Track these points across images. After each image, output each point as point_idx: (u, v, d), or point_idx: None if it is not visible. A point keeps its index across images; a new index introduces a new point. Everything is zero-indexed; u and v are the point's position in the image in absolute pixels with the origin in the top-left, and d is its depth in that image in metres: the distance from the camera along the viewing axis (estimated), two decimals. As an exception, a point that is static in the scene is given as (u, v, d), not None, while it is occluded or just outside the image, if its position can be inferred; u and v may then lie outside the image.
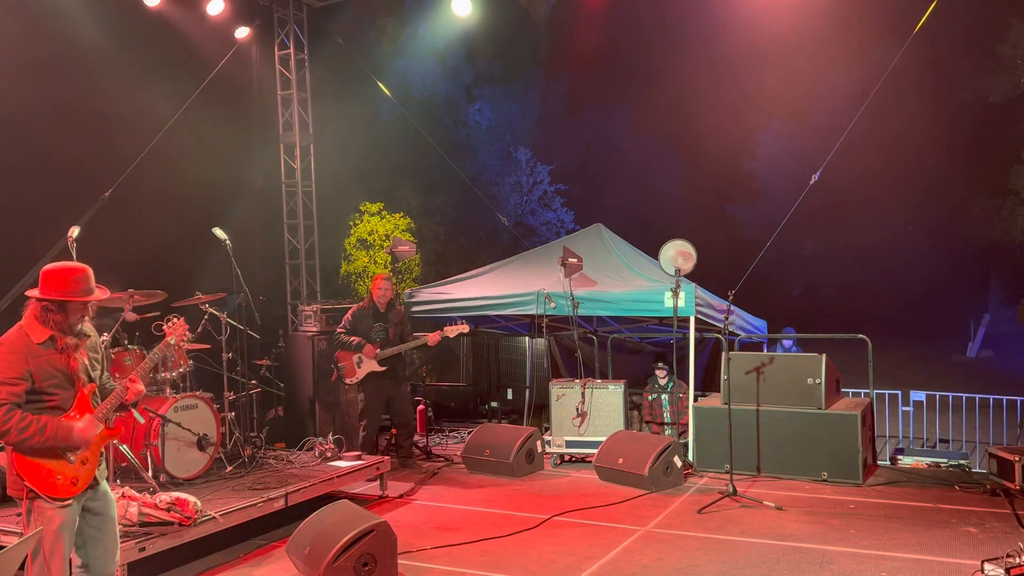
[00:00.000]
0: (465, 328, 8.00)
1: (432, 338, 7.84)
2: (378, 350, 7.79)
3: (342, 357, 7.93)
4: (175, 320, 4.37)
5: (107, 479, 3.97)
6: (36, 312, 3.69)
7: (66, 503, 3.67)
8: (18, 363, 3.57)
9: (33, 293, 3.71)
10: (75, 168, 9.93)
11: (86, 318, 3.81)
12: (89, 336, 3.88)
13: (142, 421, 5.96)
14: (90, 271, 3.78)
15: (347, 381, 7.92)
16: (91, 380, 3.85)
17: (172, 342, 4.30)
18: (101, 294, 3.82)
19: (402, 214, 15.59)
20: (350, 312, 8.01)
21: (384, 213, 15.42)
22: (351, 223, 15.27)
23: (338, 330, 7.97)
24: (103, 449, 3.92)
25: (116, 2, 9.91)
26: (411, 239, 13.30)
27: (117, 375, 6.12)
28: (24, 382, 3.57)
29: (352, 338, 7.80)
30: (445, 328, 7.91)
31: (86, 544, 3.86)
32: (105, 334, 6.07)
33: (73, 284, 3.68)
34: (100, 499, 3.89)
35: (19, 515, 5.18)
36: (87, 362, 3.82)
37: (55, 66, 10.18)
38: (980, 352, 21.21)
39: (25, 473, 3.61)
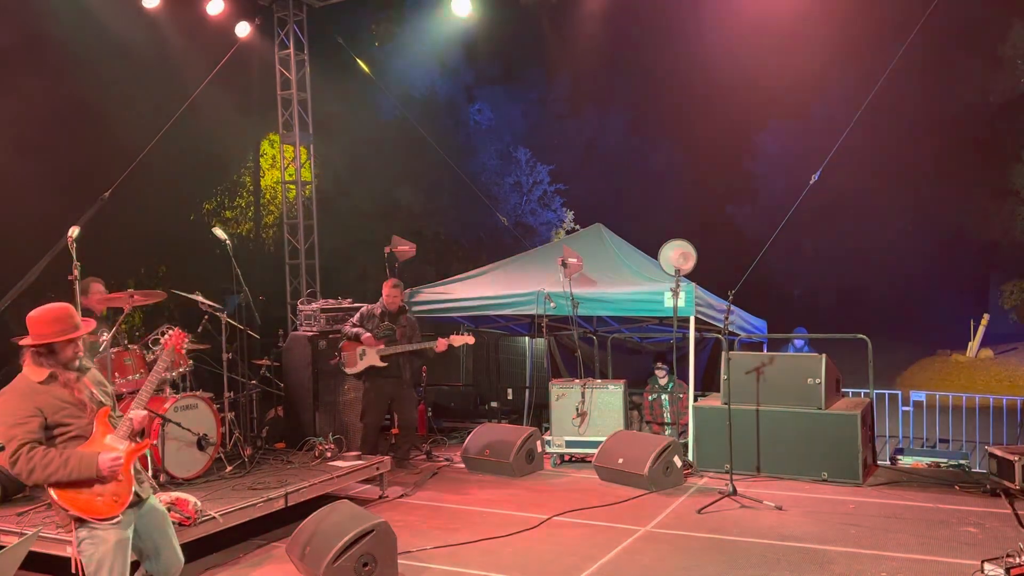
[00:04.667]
0: (471, 340, 7.94)
1: (439, 344, 7.83)
2: (381, 345, 7.80)
3: (346, 347, 7.96)
4: (171, 332, 4.36)
5: (148, 491, 3.94)
6: (31, 357, 3.75)
7: (115, 520, 3.68)
8: (24, 403, 3.62)
9: (25, 341, 3.75)
10: (75, 168, 9.93)
11: (79, 353, 3.81)
12: (89, 369, 3.90)
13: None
14: (70, 309, 3.80)
15: (347, 371, 7.93)
16: (102, 406, 3.84)
17: (171, 355, 4.27)
18: (86, 328, 3.84)
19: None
20: (359, 312, 8.07)
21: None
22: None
23: (346, 326, 8.02)
24: (136, 463, 3.88)
25: (116, 3, 9.91)
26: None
27: (117, 375, 6.14)
28: (36, 418, 3.60)
29: (356, 328, 7.85)
30: (452, 337, 7.88)
31: (149, 559, 3.92)
32: (105, 333, 6.07)
33: (55, 325, 3.70)
34: (149, 514, 3.90)
35: (18, 515, 5.21)
36: (94, 392, 3.83)
37: (55, 66, 10.19)
38: (980, 352, 21.19)
39: (67, 503, 3.61)
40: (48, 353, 3.71)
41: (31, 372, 3.72)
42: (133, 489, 3.78)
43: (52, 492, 3.62)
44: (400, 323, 8.01)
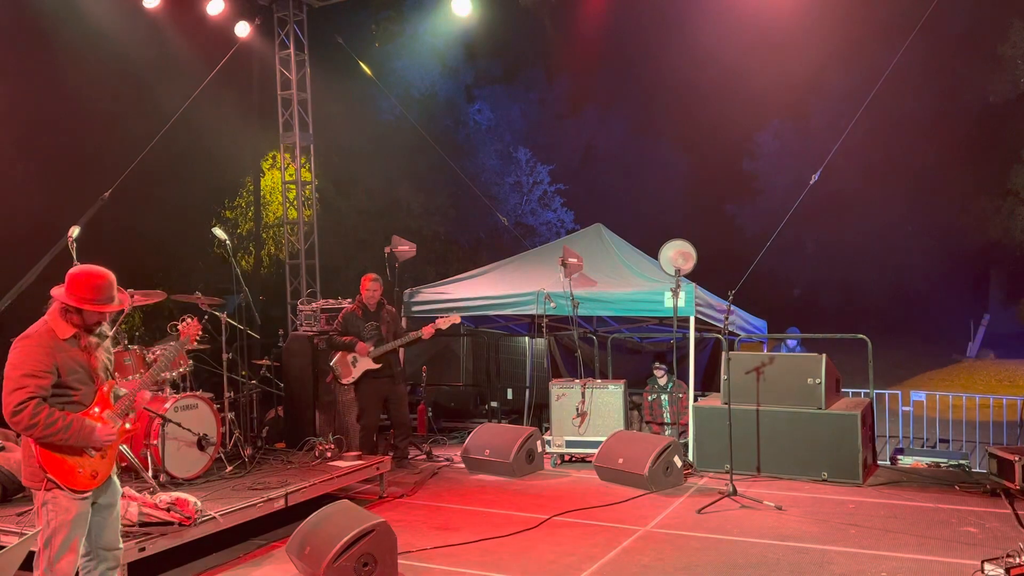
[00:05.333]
0: (456, 319, 8.02)
1: (426, 331, 7.84)
2: (371, 348, 7.78)
3: (337, 360, 7.92)
4: (189, 320, 4.45)
5: (116, 473, 4.05)
6: (59, 310, 3.77)
7: (85, 495, 3.76)
8: (46, 356, 3.65)
9: (58, 293, 3.77)
10: (75, 168, 9.93)
11: (103, 322, 3.88)
12: (108, 336, 3.97)
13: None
14: (112, 279, 3.83)
15: (343, 382, 7.90)
16: (109, 378, 3.94)
17: (185, 343, 4.36)
18: (123, 300, 3.90)
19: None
20: (341, 315, 8.02)
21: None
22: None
23: (330, 332, 7.98)
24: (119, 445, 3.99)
25: (117, 3, 9.91)
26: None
27: (117, 376, 6.14)
28: (51, 375, 3.65)
29: (344, 337, 7.81)
30: (437, 320, 7.92)
31: (91, 533, 3.93)
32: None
33: (93, 292, 3.75)
34: (108, 489, 3.97)
35: (18, 515, 5.21)
36: (105, 361, 3.92)
37: (56, 66, 10.19)
38: (980, 352, 21.21)
39: (48, 465, 3.68)
40: (76, 313, 3.75)
41: (57, 327, 3.74)
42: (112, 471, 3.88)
43: (36, 450, 3.67)
44: (383, 319, 7.97)
